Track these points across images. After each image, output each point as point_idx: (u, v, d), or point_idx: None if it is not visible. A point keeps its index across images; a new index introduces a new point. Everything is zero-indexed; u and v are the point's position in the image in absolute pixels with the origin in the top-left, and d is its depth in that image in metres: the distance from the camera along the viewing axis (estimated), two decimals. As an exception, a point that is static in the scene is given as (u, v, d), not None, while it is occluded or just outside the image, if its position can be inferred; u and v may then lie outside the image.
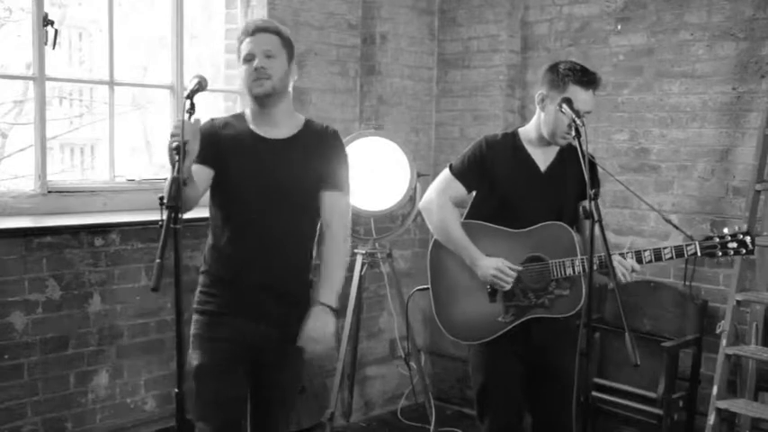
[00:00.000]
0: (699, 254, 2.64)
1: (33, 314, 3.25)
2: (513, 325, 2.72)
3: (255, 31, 2.41)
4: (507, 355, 2.77)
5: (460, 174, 2.81)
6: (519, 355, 2.78)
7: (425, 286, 2.86)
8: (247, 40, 2.41)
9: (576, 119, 2.48)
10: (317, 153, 2.48)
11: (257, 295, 2.42)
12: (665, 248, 2.63)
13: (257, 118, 2.48)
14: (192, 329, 2.49)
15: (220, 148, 2.41)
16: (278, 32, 2.44)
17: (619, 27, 4.14)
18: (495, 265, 2.68)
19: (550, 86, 2.68)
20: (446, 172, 2.86)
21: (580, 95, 2.62)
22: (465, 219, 2.83)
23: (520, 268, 2.70)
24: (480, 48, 4.62)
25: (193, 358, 2.45)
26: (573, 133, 2.52)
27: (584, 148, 2.41)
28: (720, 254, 2.64)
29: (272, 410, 2.56)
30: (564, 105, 2.58)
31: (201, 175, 2.35)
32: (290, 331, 2.45)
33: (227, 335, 2.42)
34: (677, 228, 2.87)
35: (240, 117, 2.53)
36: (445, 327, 2.81)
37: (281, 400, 2.57)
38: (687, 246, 2.63)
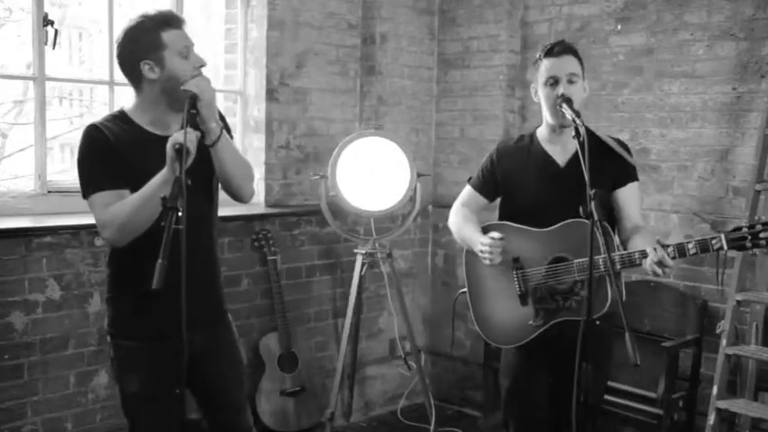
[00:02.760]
0: (725, 247, 2.36)
1: (33, 314, 3.25)
2: (544, 328, 2.67)
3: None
4: (537, 360, 2.75)
5: (478, 185, 2.90)
6: (549, 360, 2.74)
7: (465, 290, 2.89)
8: None
9: (576, 119, 2.46)
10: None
11: (197, 303, 2.17)
12: (688, 243, 2.40)
13: (162, 117, 2.29)
14: (122, 355, 2.36)
15: (129, 162, 2.22)
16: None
17: (619, 27, 4.14)
18: (481, 240, 2.68)
19: (533, 74, 2.75)
20: (467, 187, 2.95)
21: (551, 64, 2.64)
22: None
23: (499, 236, 2.63)
24: (480, 48, 4.62)
25: (130, 384, 2.34)
26: (563, 112, 2.53)
27: (584, 147, 2.37)
28: (750, 245, 2.35)
29: (223, 396, 2.48)
30: (564, 105, 2.56)
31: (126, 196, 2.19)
32: (217, 317, 2.46)
33: (167, 355, 2.21)
34: (703, 218, 2.71)
35: (125, 118, 2.30)
36: (482, 330, 2.83)
37: (227, 384, 2.49)
38: (712, 239, 2.37)
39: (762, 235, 2.35)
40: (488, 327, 2.82)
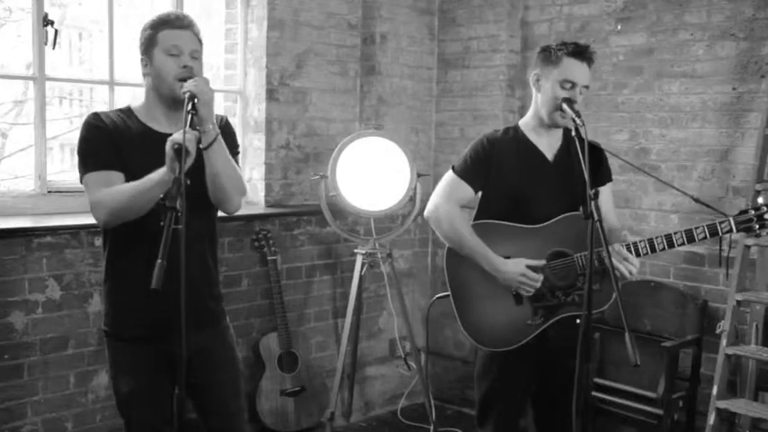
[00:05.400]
0: (734, 230, 2.43)
1: (33, 314, 3.25)
2: (545, 326, 2.61)
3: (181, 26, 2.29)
4: (516, 363, 2.67)
5: (465, 174, 2.70)
6: (532, 360, 2.68)
7: (446, 293, 2.73)
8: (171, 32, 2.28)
9: (577, 119, 2.44)
10: None
11: (192, 305, 2.04)
12: (697, 228, 2.45)
13: (157, 114, 2.32)
14: (115, 355, 2.38)
15: (124, 152, 2.25)
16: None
17: (619, 27, 4.14)
18: (520, 271, 2.56)
19: (544, 64, 2.64)
20: (450, 174, 2.74)
21: (575, 67, 2.58)
22: (475, 220, 2.71)
23: (543, 263, 2.58)
24: (480, 48, 4.62)
25: (123, 384, 2.36)
26: (570, 116, 2.48)
27: (584, 147, 2.35)
28: (758, 227, 2.41)
29: (217, 401, 2.47)
30: (564, 105, 2.54)
31: (118, 181, 2.23)
32: (211, 320, 2.43)
33: (158, 355, 2.30)
34: (707, 205, 2.65)
35: (129, 113, 2.34)
36: (472, 335, 2.68)
37: (221, 389, 2.47)
38: (721, 223, 2.43)
39: (767, 216, 2.41)
40: (480, 331, 2.68)
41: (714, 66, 3.82)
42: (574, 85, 2.58)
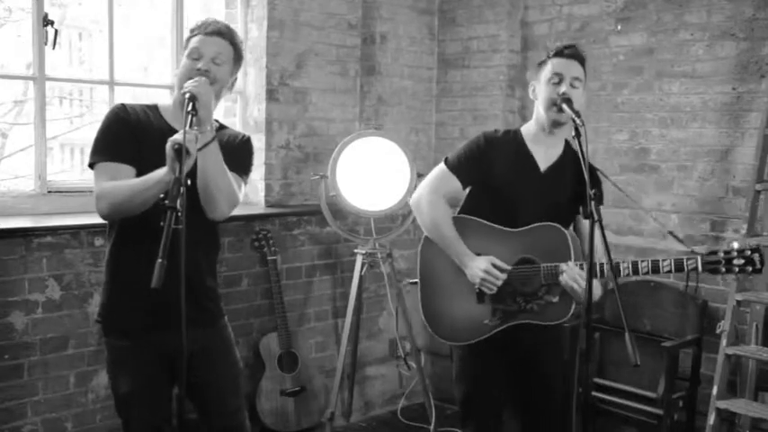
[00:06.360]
0: (700, 269, 2.46)
1: (33, 314, 3.26)
2: (498, 329, 2.64)
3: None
4: (492, 362, 2.70)
5: (456, 168, 2.71)
6: (506, 361, 2.70)
7: (416, 280, 2.79)
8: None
9: (576, 119, 2.44)
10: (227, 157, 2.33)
11: (191, 304, 2.03)
12: (664, 260, 2.47)
13: (176, 113, 2.33)
14: (114, 355, 2.39)
15: (141, 147, 2.29)
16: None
17: (619, 27, 4.14)
18: (484, 267, 2.59)
19: (537, 72, 2.69)
20: (441, 166, 2.76)
21: (560, 63, 2.60)
22: (458, 214, 2.75)
23: (509, 268, 2.61)
24: (480, 48, 4.62)
25: (122, 384, 2.36)
26: (570, 116, 2.48)
27: (584, 147, 2.35)
28: (724, 270, 2.45)
29: (217, 401, 2.48)
30: (564, 105, 2.53)
31: (127, 175, 2.26)
32: (204, 318, 2.42)
33: (155, 354, 2.33)
34: (678, 239, 2.70)
35: (155, 110, 2.40)
36: (431, 325, 2.75)
37: (220, 388, 2.48)
38: (688, 259, 2.46)
39: (735, 262, 2.44)
40: (438, 321, 2.73)
41: (714, 66, 3.82)
42: (561, 78, 2.58)
